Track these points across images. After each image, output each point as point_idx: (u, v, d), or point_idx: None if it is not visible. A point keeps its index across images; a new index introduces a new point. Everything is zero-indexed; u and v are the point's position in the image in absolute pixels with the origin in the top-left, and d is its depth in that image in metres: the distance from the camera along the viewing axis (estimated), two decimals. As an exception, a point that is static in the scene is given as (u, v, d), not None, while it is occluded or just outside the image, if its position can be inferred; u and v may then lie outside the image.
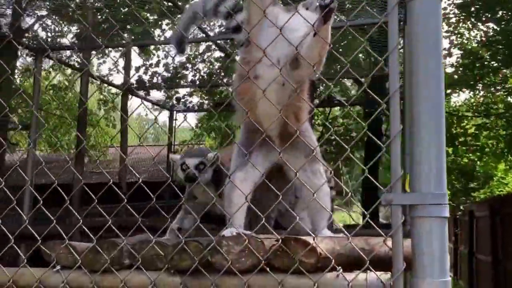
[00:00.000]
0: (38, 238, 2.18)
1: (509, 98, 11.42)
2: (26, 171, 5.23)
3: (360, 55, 9.86)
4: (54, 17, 9.05)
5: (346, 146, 1.95)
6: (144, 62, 11.33)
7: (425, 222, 1.67)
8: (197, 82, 11.09)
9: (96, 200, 2.18)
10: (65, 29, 11.13)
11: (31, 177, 5.10)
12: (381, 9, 6.21)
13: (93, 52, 8.41)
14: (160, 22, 10.94)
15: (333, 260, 1.75)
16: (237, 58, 2.79)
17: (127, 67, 11.49)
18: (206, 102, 11.88)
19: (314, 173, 2.40)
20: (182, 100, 11.06)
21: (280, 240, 1.82)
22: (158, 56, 12.28)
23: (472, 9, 10.29)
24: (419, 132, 1.75)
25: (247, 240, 1.85)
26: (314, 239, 1.80)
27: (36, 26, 9.70)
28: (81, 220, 2.10)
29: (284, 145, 2.36)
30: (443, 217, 1.68)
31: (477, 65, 10.89)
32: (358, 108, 12.32)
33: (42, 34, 10.23)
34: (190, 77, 11.57)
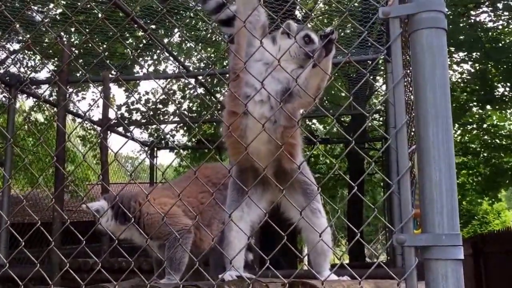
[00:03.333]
0: (20, 283, 2.02)
1: (486, 137, 11.62)
2: (1, 209, 4.99)
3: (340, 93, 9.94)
4: (26, 52, 8.92)
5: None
6: (126, 100, 11.21)
7: (441, 265, 1.58)
8: (178, 119, 10.96)
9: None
10: (39, 64, 10.96)
11: (7, 215, 4.85)
12: (363, 47, 6.31)
13: (70, 89, 8.27)
14: (140, 59, 10.91)
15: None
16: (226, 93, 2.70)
17: (105, 103, 11.30)
18: (187, 141, 11.73)
19: (313, 212, 2.30)
20: (162, 137, 10.89)
21: (287, 285, 1.70)
22: (139, 93, 12.18)
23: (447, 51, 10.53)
24: (430, 169, 1.68)
25: (250, 285, 1.72)
26: (323, 284, 1.68)
27: (9, 61, 9.52)
28: (67, 263, 1.92)
29: (280, 183, 2.26)
30: (458, 260, 1.60)
31: (454, 104, 11.10)
32: (341, 145, 12.34)
33: (15, 69, 10.03)
34: (171, 114, 11.46)
